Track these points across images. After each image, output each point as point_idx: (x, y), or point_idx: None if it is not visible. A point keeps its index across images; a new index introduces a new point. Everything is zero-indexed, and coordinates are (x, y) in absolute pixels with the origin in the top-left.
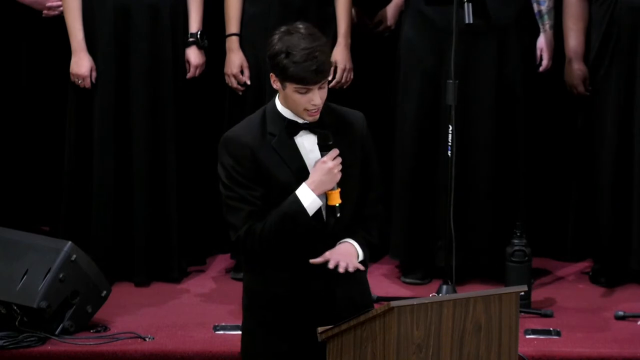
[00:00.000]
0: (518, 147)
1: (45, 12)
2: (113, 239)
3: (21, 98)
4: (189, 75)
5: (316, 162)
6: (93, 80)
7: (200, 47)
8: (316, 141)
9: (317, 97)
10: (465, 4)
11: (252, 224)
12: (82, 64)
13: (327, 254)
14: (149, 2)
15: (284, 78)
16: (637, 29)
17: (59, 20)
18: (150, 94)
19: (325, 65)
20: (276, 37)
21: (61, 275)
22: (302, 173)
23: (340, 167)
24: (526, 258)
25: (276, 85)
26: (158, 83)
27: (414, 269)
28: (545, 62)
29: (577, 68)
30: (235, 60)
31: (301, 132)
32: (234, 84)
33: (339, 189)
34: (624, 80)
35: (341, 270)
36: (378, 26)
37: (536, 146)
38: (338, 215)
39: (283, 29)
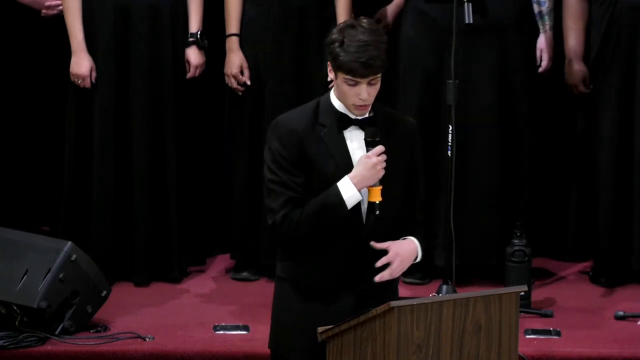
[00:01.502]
0: (519, 147)
1: (44, 11)
2: (113, 239)
3: (21, 98)
4: (189, 75)
5: (361, 157)
6: (93, 80)
7: (200, 47)
8: (364, 138)
9: (364, 92)
10: (465, 3)
11: (290, 210)
12: (82, 64)
13: (390, 245)
14: (149, 2)
15: (335, 66)
16: (637, 29)
17: (59, 20)
18: (150, 94)
19: (375, 61)
20: (338, 27)
21: (61, 275)
22: (346, 167)
23: (384, 164)
24: (526, 258)
25: (331, 74)
26: (158, 83)
27: (413, 269)
28: (544, 63)
29: (577, 68)
30: (235, 60)
31: (351, 128)
32: (234, 84)
33: (381, 186)
34: (624, 80)
35: (382, 279)
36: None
37: (536, 146)
38: (377, 212)
39: (348, 21)
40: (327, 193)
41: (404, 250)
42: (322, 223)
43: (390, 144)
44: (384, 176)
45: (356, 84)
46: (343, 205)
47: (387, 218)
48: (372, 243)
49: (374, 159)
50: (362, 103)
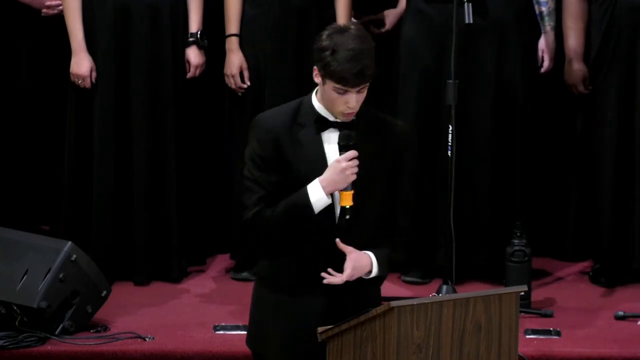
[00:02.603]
0: (517, 147)
1: (44, 11)
2: (113, 239)
3: (21, 98)
4: (189, 75)
5: (333, 161)
6: (93, 80)
7: (200, 47)
8: (337, 142)
9: (353, 100)
10: (465, 3)
11: (261, 208)
12: (82, 64)
13: (350, 254)
14: (149, 2)
15: (325, 74)
16: (637, 29)
17: (59, 20)
18: (150, 94)
19: (367, 70)
20: (326, 32)
21: (61, 275)
22: (321, 169)
23: (355, 169)
24: (526, 258)
25: (317, 79)
26: (158, 83)
27: (414, 268)
28: (546, 64)
29: (577, 68)
30: (235, 60)
31: (329, 129)
32: (234, 84)
33: (352, 191)
34: (624, 80)
35: (325, 282)
36: (379, 27)
37: (536, 146)
38: (347, 217)
39: (335, 25)
40: (296, 195)
41: (359, 266)
42: (290, 224)
43: (370, 148)
44: (358, 181)
45: (345, 92)
46: (310, 208)
47: (366, 222)
48: (337, 241)
49: (344, 164)
50: (350, 111)
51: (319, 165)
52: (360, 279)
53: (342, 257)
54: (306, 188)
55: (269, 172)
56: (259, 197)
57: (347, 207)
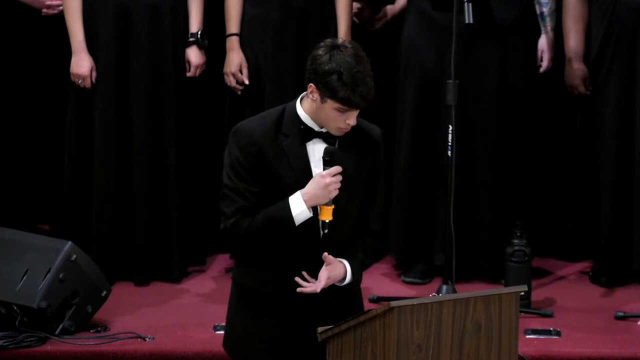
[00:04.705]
0: (518, 148)
1: (44, 10)
2: (113, 239)
3: (21, 99)
4: (189, 74)
5: (316, 175)
6: (93, 80)
7: (200, 47)
8: (322, 156)
9: (354, 118)
10: (465, 4)
11: (240, 218)
12: (82, 64)
13: (328, 263)
14: (149, 2)
15: (331, 97)
16: (637, 29)
17: (59, 20)
18: (151, 94)
19: (373, 91)
20: (325, 53)
21: (61, 275)
22: (305, 180)
23: (338, 185)
24: (526, 258)
25: (313, 96)
26: (158, 83)
27: (413, 268)
28: (545, 64)
29: (577, 68)
30: (235, 59)
31: (314, 140)
32: (233, 82)
33: (333, 206)
34: (624, 80)
35: (299, 290)
36: (377, 22)
37: (537, 146)
38: (325, 231)
39: (329, 43)
40: (277, 207)
41: (334, 275)
42: (269, 236)
43: (352, 155)
44: (340, 196)
45: (347, 111)
46: (291, 221)
47: (345, 232)
48: (325, 255)
49: (328, 180)
50: (348, 127)
51: (303, 176)
52: (334, 285)
53: (319, 265)
54: (287, 201)
55: (252, 183)
56: (238, 207)
57: (326, 221)
